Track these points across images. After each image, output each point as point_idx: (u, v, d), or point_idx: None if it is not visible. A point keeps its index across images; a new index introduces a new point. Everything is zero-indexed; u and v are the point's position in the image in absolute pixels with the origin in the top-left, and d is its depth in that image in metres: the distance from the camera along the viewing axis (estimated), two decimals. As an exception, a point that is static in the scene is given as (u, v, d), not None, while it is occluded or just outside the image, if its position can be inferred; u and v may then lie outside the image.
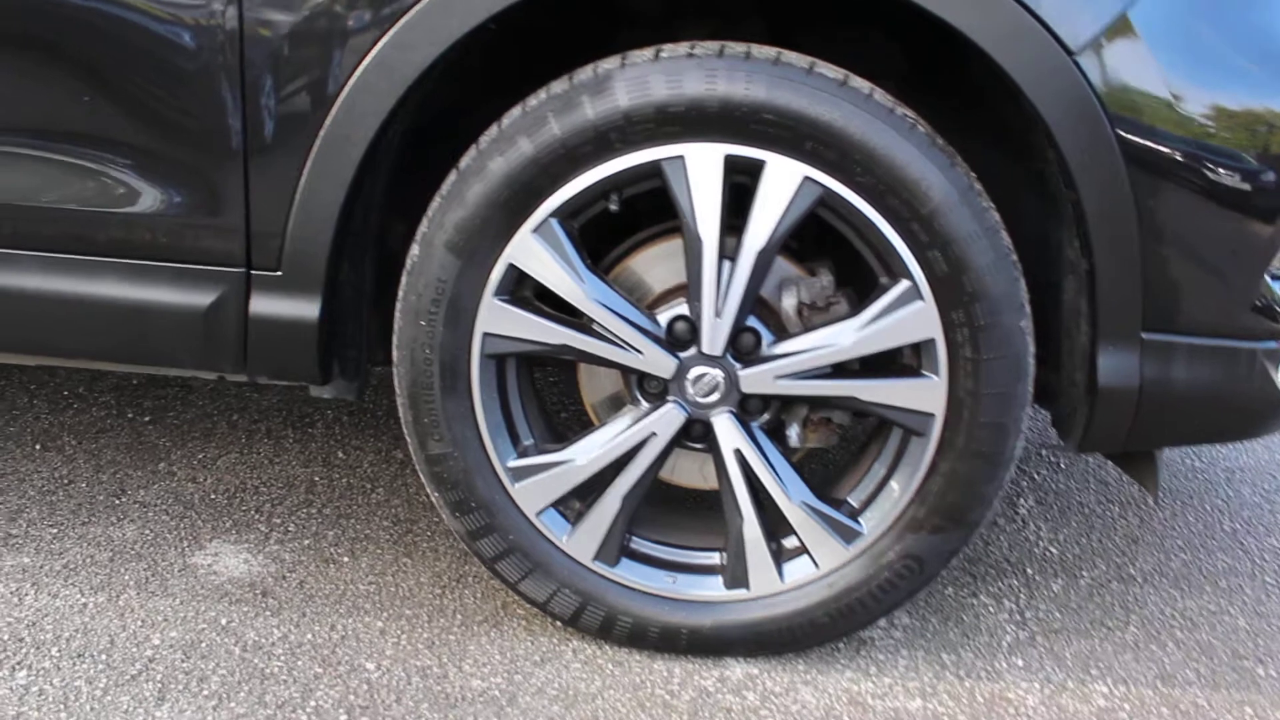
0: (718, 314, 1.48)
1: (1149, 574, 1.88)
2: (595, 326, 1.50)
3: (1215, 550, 1.97)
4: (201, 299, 1.55)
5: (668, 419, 1.52)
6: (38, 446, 2.19)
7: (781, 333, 1.55)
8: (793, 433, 1.57)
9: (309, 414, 2.35)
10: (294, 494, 2.04)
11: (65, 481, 2.06)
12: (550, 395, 2.32)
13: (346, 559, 1.84)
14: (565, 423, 1.94)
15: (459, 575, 1.80)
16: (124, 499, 2.01)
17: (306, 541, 1.89)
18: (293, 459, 2.16)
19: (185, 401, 2.38)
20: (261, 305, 1.55)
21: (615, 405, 1.63)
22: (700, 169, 1.44)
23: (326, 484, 2.08)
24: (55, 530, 1.90)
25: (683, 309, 1.53)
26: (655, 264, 1.59)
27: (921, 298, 1.46)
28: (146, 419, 2.30)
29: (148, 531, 1.90)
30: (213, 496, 2.02)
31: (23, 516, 1.94)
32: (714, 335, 1.49)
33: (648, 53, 1.46)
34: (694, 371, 1.50)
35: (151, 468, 2.12)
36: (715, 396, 1.50)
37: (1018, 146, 1.60)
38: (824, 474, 1.68)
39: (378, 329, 1.71)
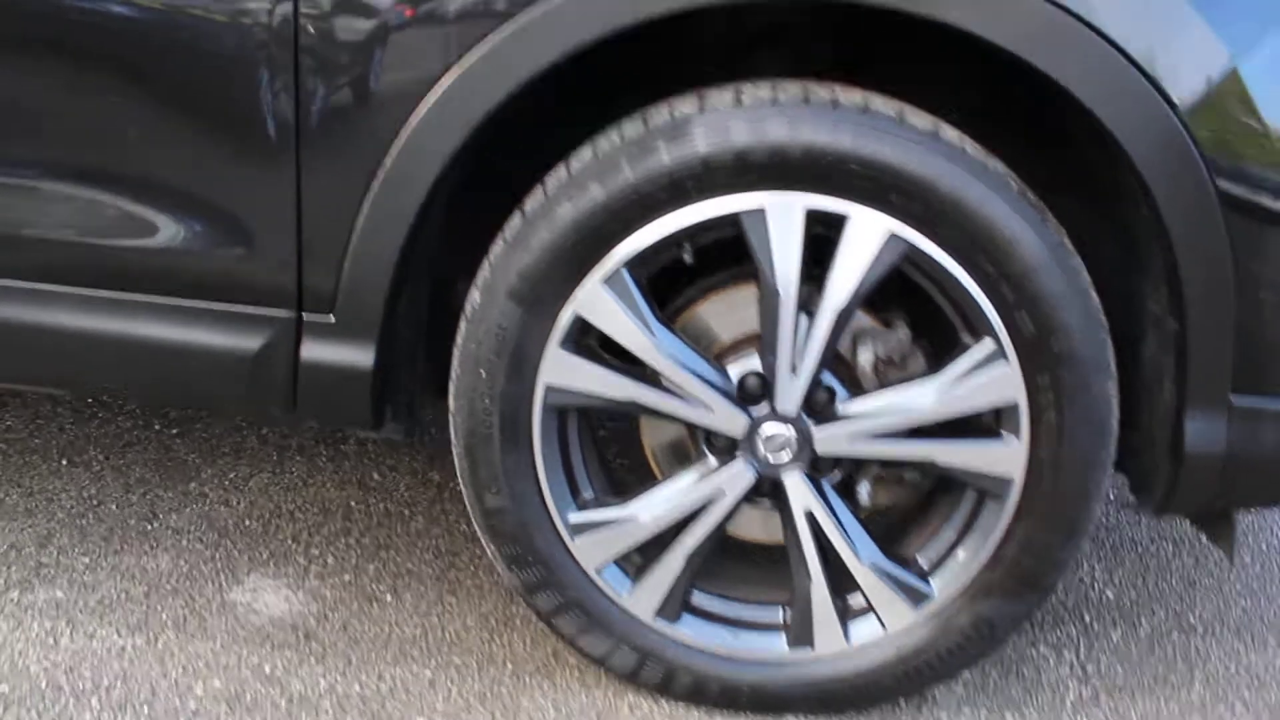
0: (793, 371, 1.42)
1: (1209, 623, 1.84)
2: (664, 381, 1.44)
3: (1276, 597, 1.92)
4: (249, 343, 1.48)
5: (737, 478, 1.46)
6: (64, 461, 2.13)
7: (855, 387, 1.49)
8: (863, 491, 1.52)
9: (340, 429, 2.29)
10: (330, 521, 1.98)
11: (94, 503, 2.00)
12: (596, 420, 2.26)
13: (389, 597, 1.79)
14: (622, 466, 1.88)
15: (506, 618, 1.75)
16: (156, 524, 1.95)
17: (347, 576, 1.83)
18: (327, 480, 2.11)
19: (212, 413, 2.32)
20: (313, 351, 1.48)
21: (677, 452, 1.57)
22: (781, 222, 1.37)
23: (363, 509, 2.02)
24: (87, 559, 1.84)
25: (753, 361, 1.46)
26: (724, 312, 1.52)
27: (1006, 360, 1.40)
28: (174, 431, 2.23)
29: (182, 563, 1.84)
30: (247, 523, 1.96)
31: (53, 542, 1.89)
32: (789, 393, 1.43)
33: (727, 95, 1.39)
34: (766, 430, 1.44)
35: (182, 488, 2.06)
36: (788, 456, 1.44)
37: (1101, 192, 1.54)
38: (888, 524, 1.62)
39: (430, 367, 1.65)
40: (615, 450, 1.90)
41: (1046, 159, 1.58)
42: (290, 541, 1.92)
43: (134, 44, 1.46)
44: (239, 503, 2.02)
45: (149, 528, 1.94)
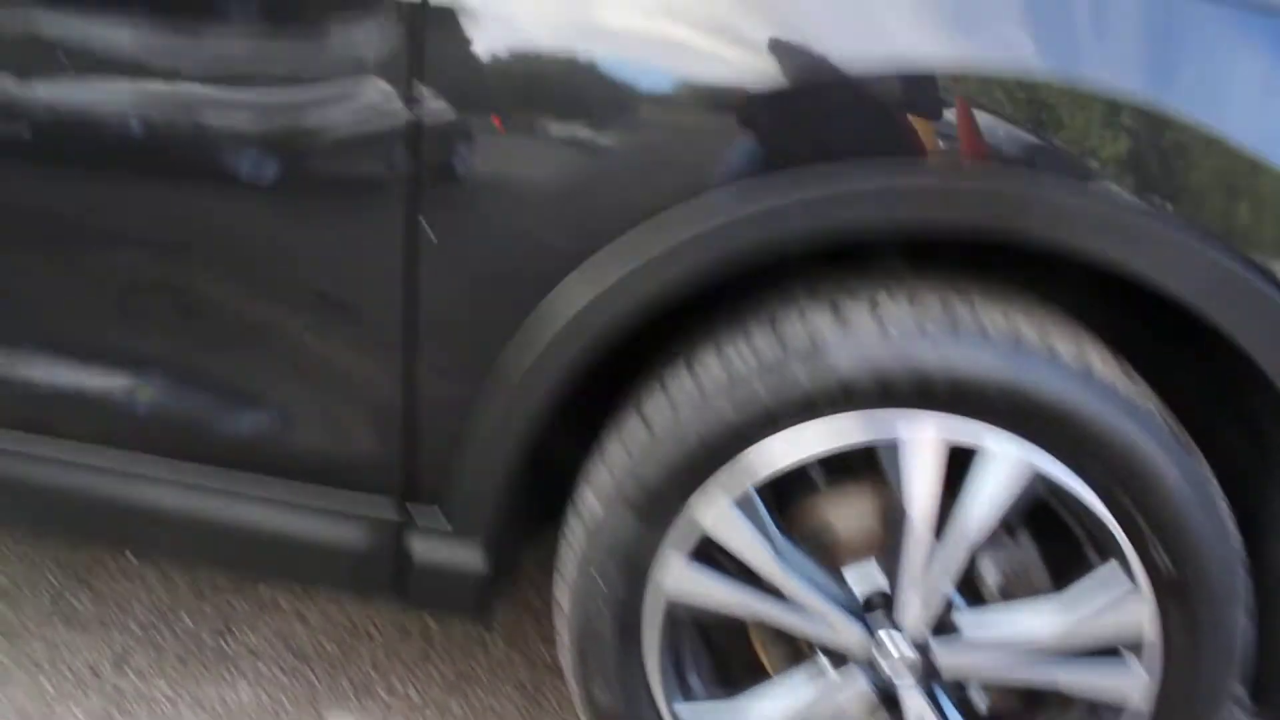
0: (920, 596, 1.38)
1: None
2: (785, 594, 1.40)
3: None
4: (354, 540, 1.44)
5: (854, 693, 1.43)
6: (131, 557, 2.09)
7: (975, 596, 1.45)
8: (979, 700, 1.49)
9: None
10: (408, 642, 1.96)
11: (167, 611, 1.98)
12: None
13: (476, 743, 1.77)
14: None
15: (595, 772, 1.73)
16: (231, 642, 1.92)
17: (430, 714, 1.81)
18: (400, 587, 2.08)
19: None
20: (422, 550, 1.44)
21: (785, 641, 1.54)
22: (919, 453, 1.32)
23: (441, 629, 1.99)
24: (166, 687, 1.82)
25: (873, 571, 1.41)
26: (845, 511, 1.47)
27: (1138, 591, 1.36)
28: (239, 520, 2.20)
29: (263, 695, 1.82)
30: (324, 643, 1.94)
31: (130, 663, 1.86)
32: (913, 615, 1.38)
33: (865, 313, 1.33)
34: (888, 647, 1.40)
35: (253, 595, 2.02)
36: (909, 679, 1.41)
37: (1234, 404, 1.48)
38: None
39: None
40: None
41: (1164, 353, 1.53)
42: (370, 670, 1.89)
43: (232, 211, 1.40)
44: (312, 615, 1.99)
45: (225, 648, 1.91)
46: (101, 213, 1.45)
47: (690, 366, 1.38)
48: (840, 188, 1.24)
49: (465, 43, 1.28)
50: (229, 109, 1.35)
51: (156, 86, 1.37)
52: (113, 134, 1.40)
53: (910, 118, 1.23)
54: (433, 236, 1.31)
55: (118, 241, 1.45)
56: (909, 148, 1.23)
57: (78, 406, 1.51)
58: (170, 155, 1.39)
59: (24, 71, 1.39)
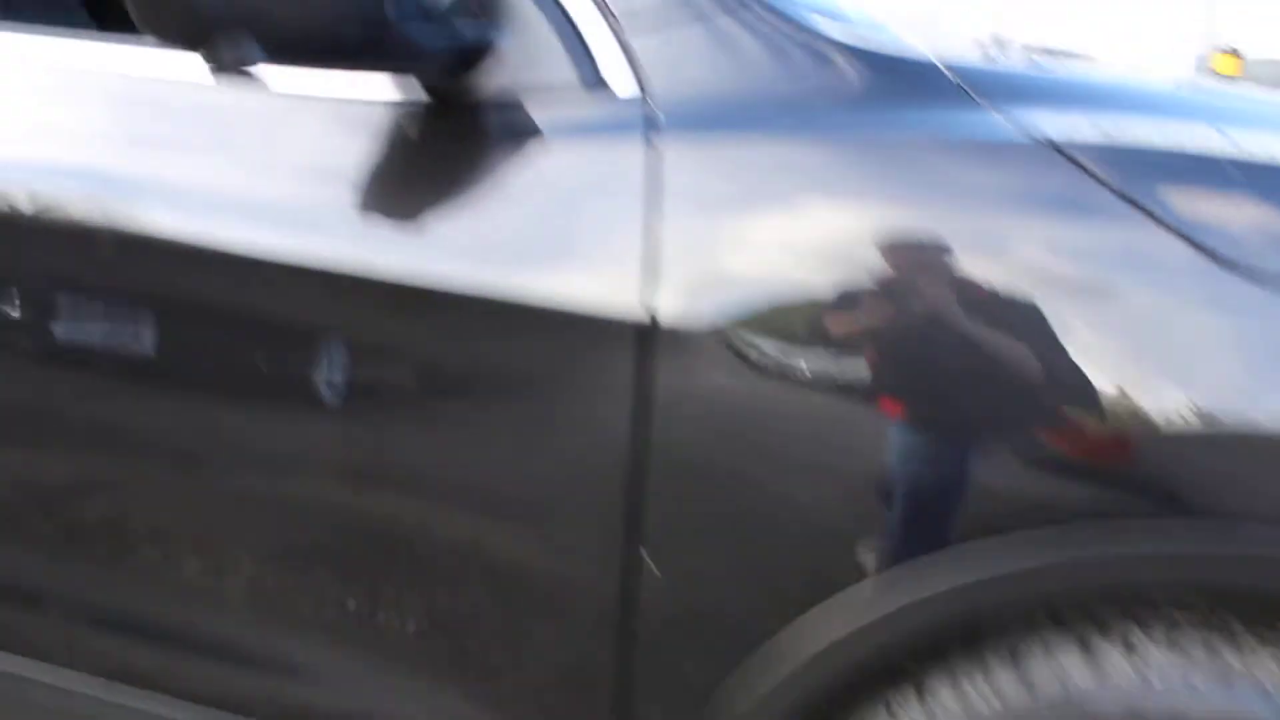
0: None
1: None
2: None
3: None
4: None
5: None
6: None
7: None
8: None
9: None
10: None
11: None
12: None
13: None
14: None
15: None
16: None
17: None
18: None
19: None
20: None
21: None
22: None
23: None
24: None
25: None
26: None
27: None
28: None
29: None
30: None
31: None
32: None
33: (1121, 660, 1.21)
34: None
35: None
36: None
37: None
38: None
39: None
40: None
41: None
42: None
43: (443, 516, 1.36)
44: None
45: None
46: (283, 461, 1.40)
47: (920, 694, 1.29)
48: (1144, 549, 1.16)
49: (697, 367, 1.21)
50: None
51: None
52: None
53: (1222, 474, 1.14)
54: (655, 570, 1.22)
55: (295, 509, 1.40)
56: (1214, 507, 1.14)
57: (246, 677, 1.46)
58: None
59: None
